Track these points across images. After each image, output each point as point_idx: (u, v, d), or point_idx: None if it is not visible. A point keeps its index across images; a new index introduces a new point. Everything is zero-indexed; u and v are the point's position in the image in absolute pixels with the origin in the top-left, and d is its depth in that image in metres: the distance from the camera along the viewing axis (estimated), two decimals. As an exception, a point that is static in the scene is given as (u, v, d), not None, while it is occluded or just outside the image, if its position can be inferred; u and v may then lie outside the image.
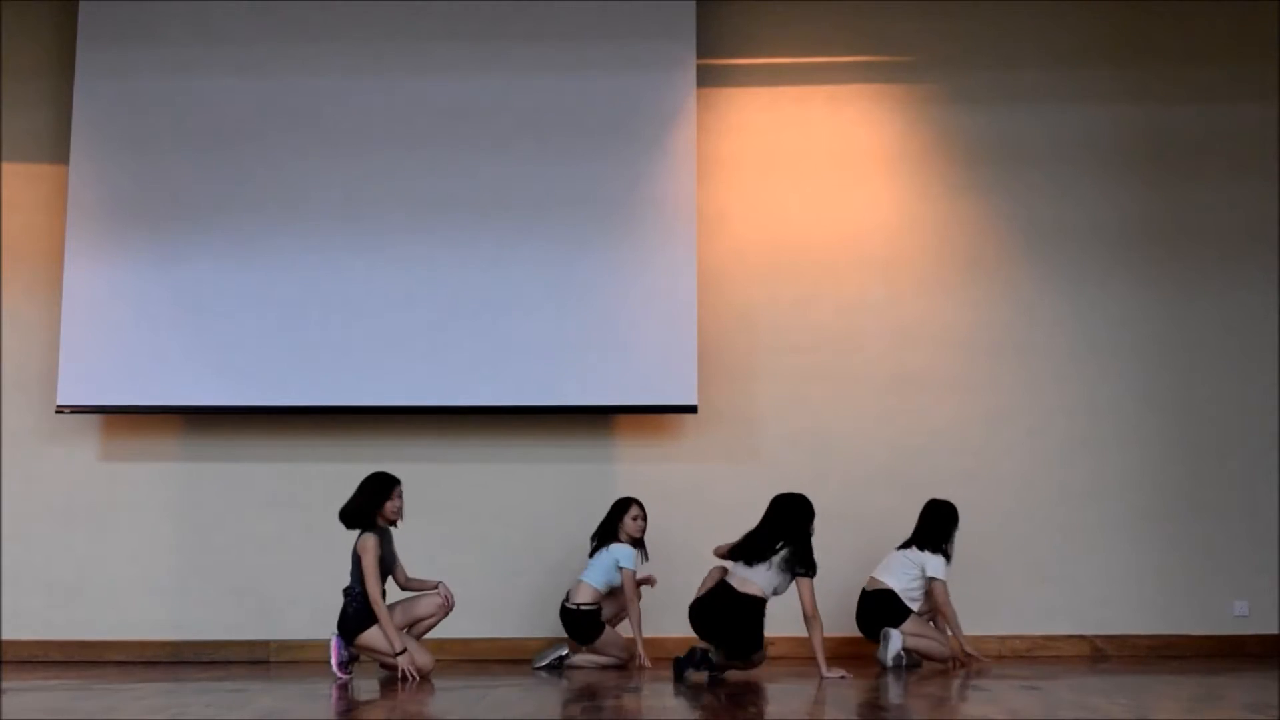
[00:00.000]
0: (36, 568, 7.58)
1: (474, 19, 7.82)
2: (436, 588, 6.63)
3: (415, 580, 6.69)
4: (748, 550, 6.45)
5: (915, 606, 6.94)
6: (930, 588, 6.93)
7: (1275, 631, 7.61)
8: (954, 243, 7.91)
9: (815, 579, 6.40)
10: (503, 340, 7.56)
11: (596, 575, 6.97)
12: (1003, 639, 7.56)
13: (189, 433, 7.71)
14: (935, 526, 7.04)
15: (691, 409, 7.55)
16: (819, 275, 7.87)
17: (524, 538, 7.62)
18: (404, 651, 6.33)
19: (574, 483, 7.65)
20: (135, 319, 7.58)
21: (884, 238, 7.90)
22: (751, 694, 5.82)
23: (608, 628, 6.97)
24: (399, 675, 6.32)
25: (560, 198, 7.66)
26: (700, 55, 7.87)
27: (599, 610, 6.95)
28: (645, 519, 7.09)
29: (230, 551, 7.61)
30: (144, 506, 7.64)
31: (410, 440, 7.66)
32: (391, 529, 6.63)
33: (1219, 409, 7.79)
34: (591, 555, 7.05)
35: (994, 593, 7.58)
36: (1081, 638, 7.60)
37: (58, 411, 7.54)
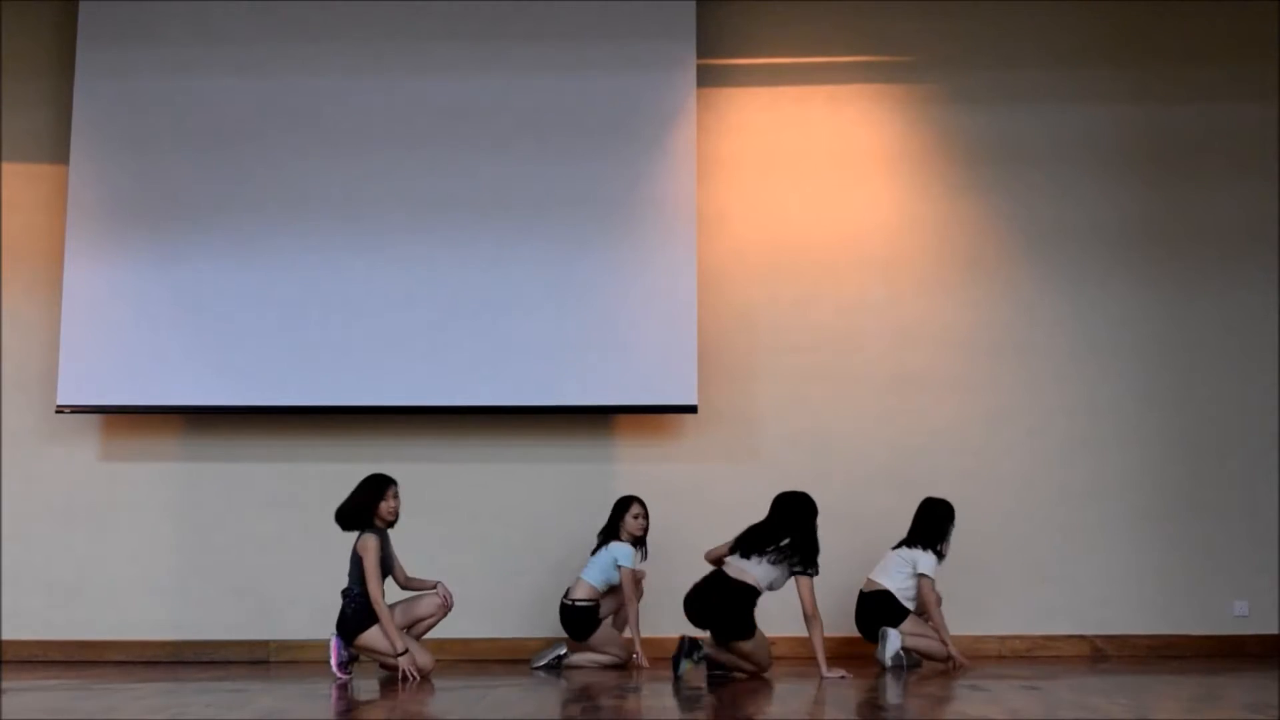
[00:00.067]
0: (36, 568, 7.58)
1: (474, 19, 7.82)
2: (435, 587, 6.64)
3: (415, 580, 6.69)
4: (748, 543, 6.47)
5: (911, 606, 6.94)
6: (918, 584, 6.92)
7: (1275, 631, 7.61)
8: (954, 243, 7.91)
9: (815, 577, 6.41)
10: (503, 340, 7.56)
11: (595, 573, 6.99)
12: (1003, 639, 7.56)
13: (189, 433, 7.71)
14: (929, 525, 7.04)
15: (691, 409, 7.55)
16: (819, 275, 7.87)
17: (524, 538, 7.62)
18: (405, 652, 6.33)
19: (574, 483, 7.66)
20: (135, 319, 7.58)
21: (884, 238, 7.90)
22: (752, 694, 5.82)
23: (604, 625, 6.98)
24: (399, 675, 6.32)
25: (560, 198, 7.66)
26: (700, 55, 7.87)
27: (595, 607, 6.96)
28: (647, 517, 7.10)
29: (230, 551, 7.61)
30: (144, 506, 7.64)
31: (410, 440, 7.66)
32: (389, 529, 6.63)
33: (1219, 409, 7.79)
34: (594, 553, 7.06)
35: (994, 593, 7.59)
36: (1081, 638, 7.60)
37: (58, 411, 7.54)
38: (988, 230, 7.92)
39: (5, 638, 7.50)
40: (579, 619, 6.94)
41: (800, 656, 6.89)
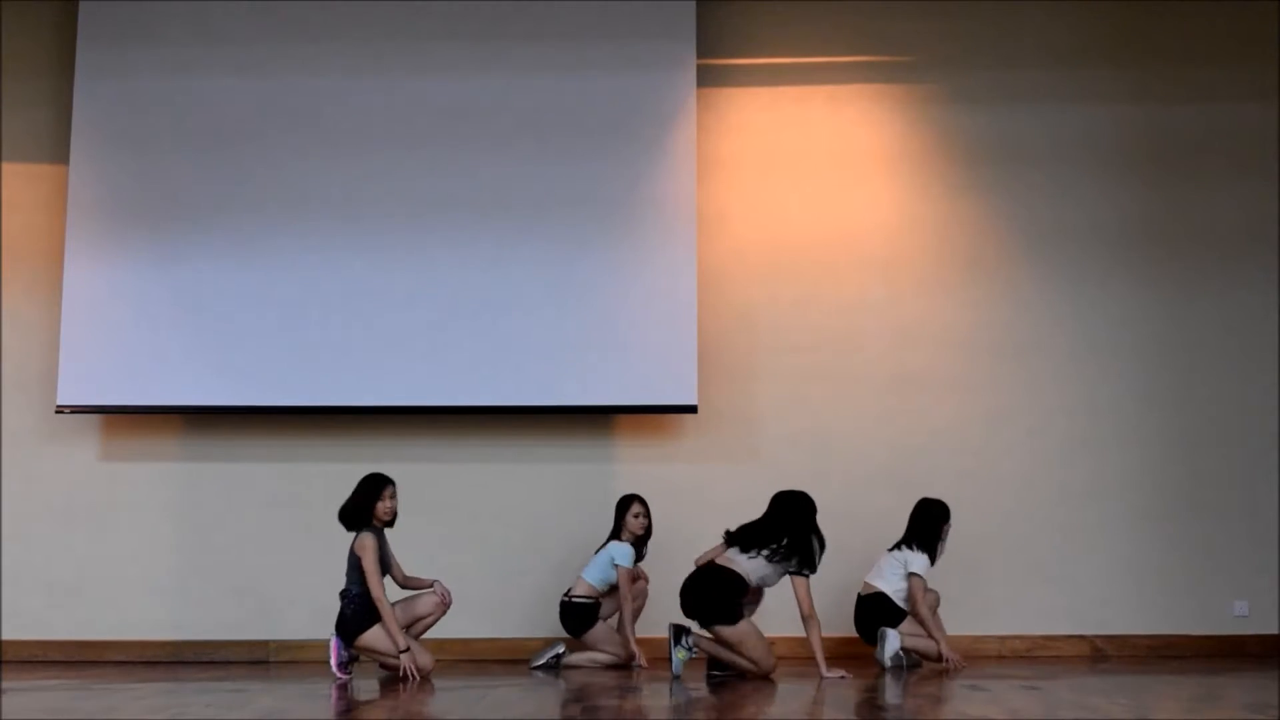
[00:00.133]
0: (36, 568, 7.58)
1: (474, 19, 7.82)
2: (433, 586, 6.64)
3: (413, 578, 6.70)
4: (743, 538, 6.49)
5: (908, 607, 6.94)
6: (909, 583, 6.92)
7: (1275, 631, 7.61)
8: (954, 243, 7.91)
9: (814, 576, 6.41)
10: (503, 340, 7.56)
11: (595, 572, 7.00)
12: (1003, 639, 7.56)
13: (189, 433, 7.71)
14: (924, 526, 7.03)
15: (691, 409, 7.55)
16: (819, 275, 7.87)
17: (524, 538, 7.62)
18: (407, 650, 6.34)
19: (574, 483, 7.66)
20: (135, 319, 7.58)
21: (884, 238, 7.90)
22: (752, 694, 5.82)
23: (601, 623, 6.99)
24: (400, 674, 6.32)
25: (560, 198, 7.66)
26: (700, 55, 7.87)
27: (592, 605, 6.97)
28: (648, 516, 7.10)
29: (230, 551, 7.61)
30: (144, 506, 7.64)
31: (410, 440, 7.66)
32: (386, 529, 6.62)
33: (1219, 409, 7.79)
34: (597, 553, 7.07)
35: (994, 593, 7.59)
36: (1081, 638, 7.60)
37: (58, 411, 7.54)
38: (988, 230, 7.92)
39: (5, 638, 7.50)
40: (575, 615, 6.95)
41: (800, 657, 6.89)
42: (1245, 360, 7.81)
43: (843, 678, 6.28)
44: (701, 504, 7.52)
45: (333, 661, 6.43)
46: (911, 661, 6.90)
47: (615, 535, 7.06)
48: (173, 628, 7.54)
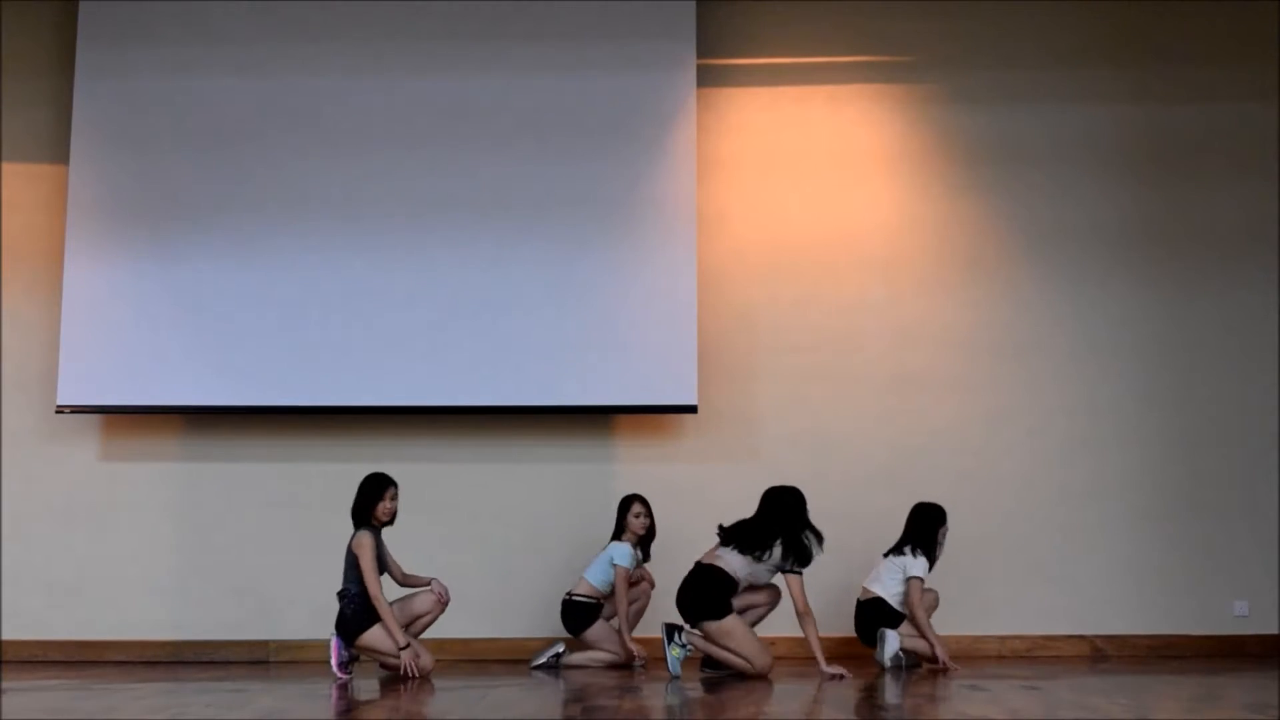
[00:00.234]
0: (36, 568, 7.58)
1: (474, 19, 7.82)
2: (430, 584, 6.65)
3: (411, 576, 6.71)
4: (736, 536, 6.51)
5: (905, 611, 6.93)
6: (906, 586, 6.91)
7: (1275, 631, 7.61)
8: (954, 243, 7.91)
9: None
10: (503, 340, 7.56)
11: (595, 572, 7.01)
12: (1003, 639, 7.56)
13: (189, 433, 7.71)
14: (920, 530, 7.02)
15: (691, 409, 7.55)
16: (819, 275, 7.87)
17: (524, 538, 7.62)
18: (407, 646, 6.34)
19: (574, 483, 7.66)
20: (135, 319, 7.58)
21: (884, 238, 7.90)
22: (751, 694, 5.82)
23: (601, 622, 6.99)
24: (401, 673, 6.32)
25: (560, 198, 7.66)
26: (700, 55, 7.87)
27: (593, 604, 6.97)
28: (649, 516, 7.10)
29: (230, 551, 7.61)
30: (144, 506, 7.64)
31: (410, 440, 7.66)
32: (383, 530, 6.62)
33: (1219, 409, 7.79)
34: (600, 553, 7.09)
35: (994, 593, 7.59)
36: (1081, 638, 7.60)
37: (58, 411, 7.54)
38: (988, 230, 7.92)
39: (5, 638, 7.50)
40: (574, 613, 6.96)
41: (799, 656, 6.89)
42: (1245, 360, 7.81)
43: (842, 677, 6.28)
44: (701, 504, 7.51)
45: (333, 661, 6.43)
46: (911, 662, 6.90)
47: (617, 536, 7.06)
48: (173, 628, 7.54)
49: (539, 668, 6.92)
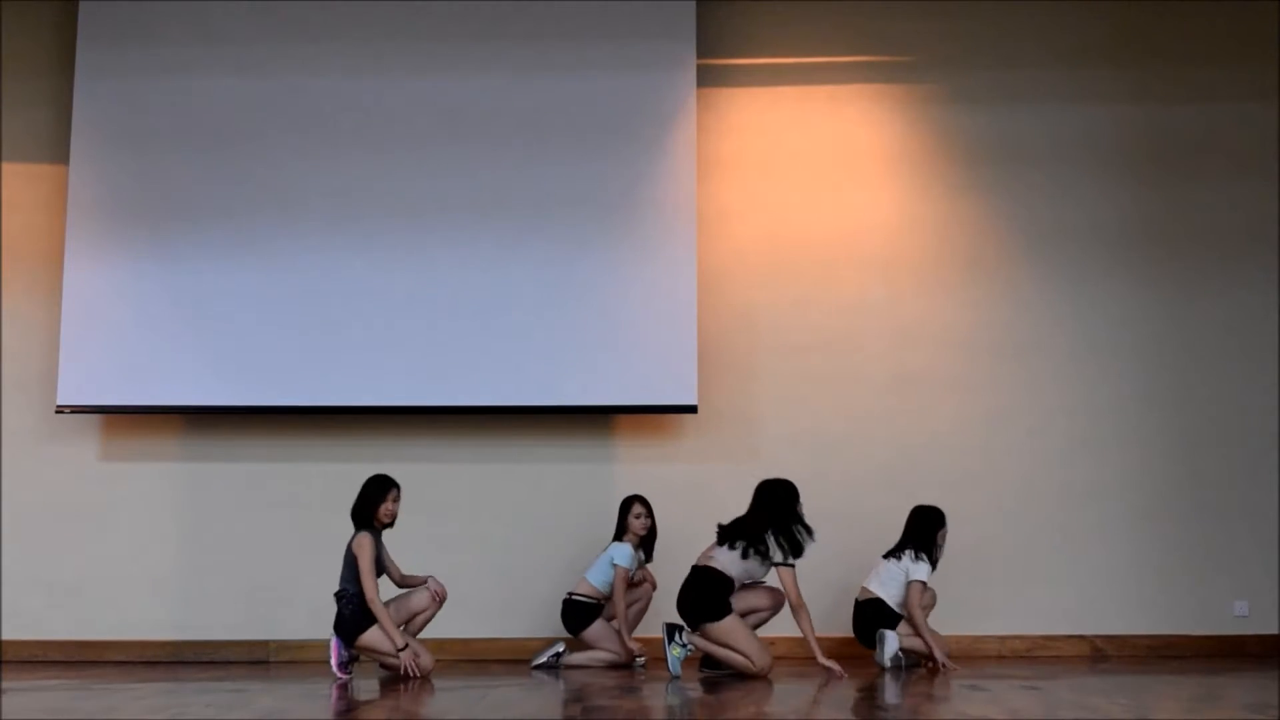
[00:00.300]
0: (36, 567, 7.58)
1: (474, 19, 7.83)
2: (426, 582, 6.66)
3: (410, 577, 6.72)
4: (732, 535, 6.52)
5: (904, 612, 6.93)
6: (906, 588, 6.91)
7: (1275, 631, 7.61)
8: (954, 243, 7.91)
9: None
10: (503, 340, 7.56)
11: (597, 573, 7.02)
12: (1003, 639, 7.56)
13: (189, 433, 7.71)
14: (919, 532, 7.02)
15: (691, 409, 7.55)
16: (819, 275, 7.87)
17: (524, 538, 7.62)
18: (405, 646, 6.34)
19: (574, 483, 7.66)
20: (135, 319, 7.58)
21: (884, 238, 7.90)
22: (751, 694, 5.82)
23: (600, 622, 7.00)
24: (400, 673, 6.32)
25: (560, 198, 7.66)
26: (700, 55, 7.87)
27: (593, 604, 6.98)
28: (649, 516, 7.11)
29: (230, 551, 7.61)
30: (144, 506, 7.64)
31: (410, 440, 7.66)
32: (384, 531, 6.63)
33: (1219, 408, 7.79)
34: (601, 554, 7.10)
35: (994, 593, 7.59)
36: (1081, 638, 7.60)
37: (58, 411, 7.54)
38: (988, 230, 7.92)
39: (5, 638, 7.50)
40: (573, 612, 6.98)
41: (799, 656, 6.89)
42: (1245, 360, 7.81)
43: (841, 677, 6.28)
44: (701, 504, 7.50)
45: (333, 661, 6.44)
46: (910, 662, 6.90)
47: (618, 536, 7.07)
48: (173, 628, 7.54)
49: (539, 668, 6.93)
